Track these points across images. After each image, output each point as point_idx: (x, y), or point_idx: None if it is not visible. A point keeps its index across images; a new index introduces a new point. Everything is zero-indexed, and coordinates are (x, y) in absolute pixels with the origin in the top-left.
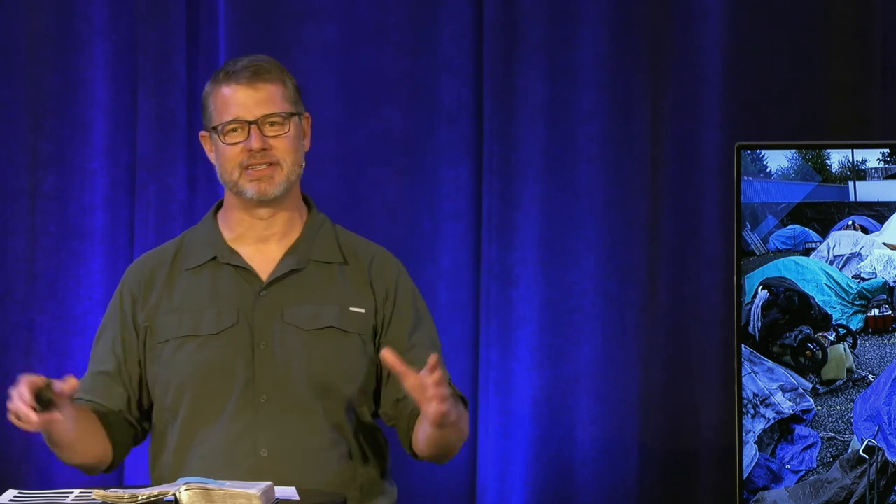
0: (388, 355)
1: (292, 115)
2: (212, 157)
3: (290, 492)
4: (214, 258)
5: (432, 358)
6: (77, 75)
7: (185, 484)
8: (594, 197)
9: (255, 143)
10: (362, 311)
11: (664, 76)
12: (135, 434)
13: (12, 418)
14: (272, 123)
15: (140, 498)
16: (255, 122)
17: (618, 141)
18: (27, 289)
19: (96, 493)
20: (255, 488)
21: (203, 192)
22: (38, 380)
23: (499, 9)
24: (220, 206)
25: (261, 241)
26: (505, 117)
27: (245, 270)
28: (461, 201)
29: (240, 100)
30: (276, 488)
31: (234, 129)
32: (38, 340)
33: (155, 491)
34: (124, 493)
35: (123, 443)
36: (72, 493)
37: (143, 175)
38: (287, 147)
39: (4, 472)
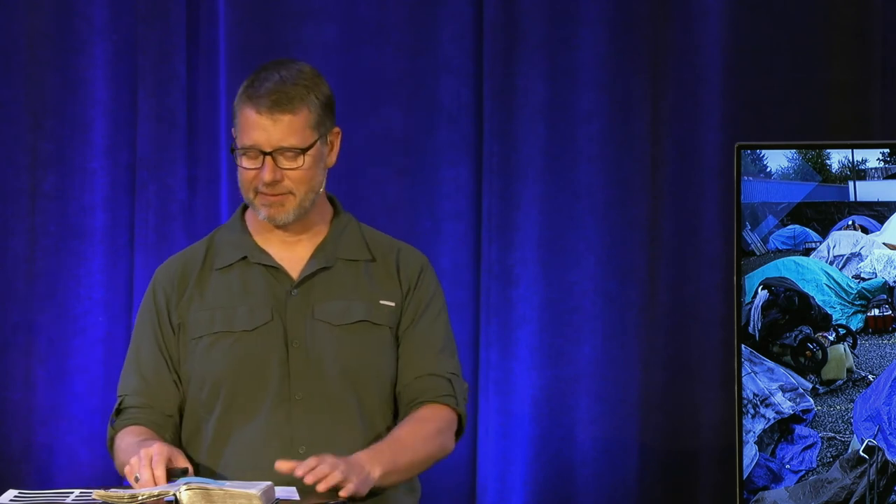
0: (281, 465)
1: (311, 145)
2: None
3: (290, 492)
4: (244, 258)
5: (306, 464)
6: (77, 75)
7: (185, 484)
8: (594, 197)
9: (267, 176)
10: (392, 304)
11: (664, 76)
12: (181, 435)
13: (132, 480)
14: (287, 156)
15: (140, 498)
16: (270, 153)
17: (618, 141)
18: (27, 289)
19: (96, 493)
20: (256, 488)
21: (203, 192)
22: (168, 454)
23: (499, 9)
24: (248, 204)
25: (289, 242)
26: (505, 117)
27: (275, 269)
28: (461, 201)
29: (259, 126)
30: (277, 488)
31: (249, 155)
32: (38, 340)
33: (155, 491)
34: (124, 493)
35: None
36: (72, 493)
37: (143, 175)
38: (300, 178)
39: (4, 472)
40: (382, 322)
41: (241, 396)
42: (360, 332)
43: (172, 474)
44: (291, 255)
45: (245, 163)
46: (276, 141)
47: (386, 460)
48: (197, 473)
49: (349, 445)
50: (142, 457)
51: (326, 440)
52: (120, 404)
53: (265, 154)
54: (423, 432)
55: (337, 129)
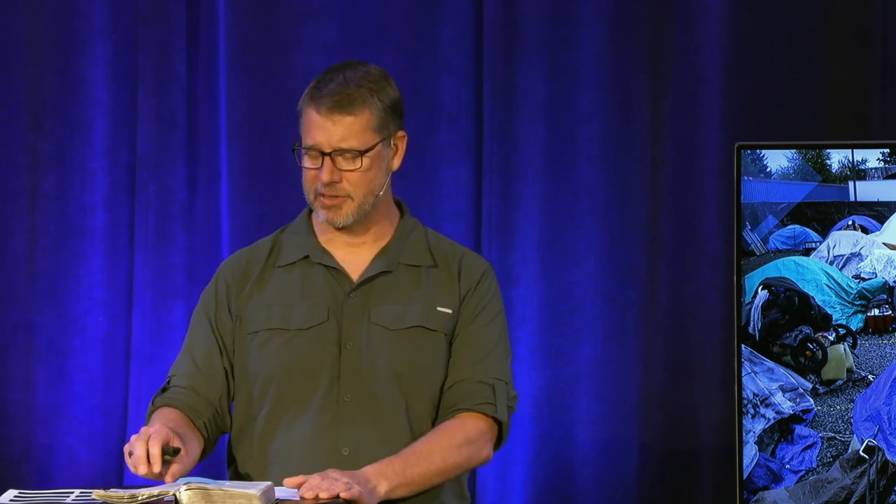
0: (289, 482)
1: (371, 148)
2: None
3: (290, 492)
4: (307, 257)
5: (309, 482)
6: (77, 75)
7: (185, 484)
8: (594, 197)
9: (325, 177)
10: (449, 311)
11: (664, 76)
12: (224, 426)
13: (131, 466)
14: (346, 157)
15: (140, 498)
16: (329, 154)
17: (618, 141)
18: (27, 289)
19: (96, 493)
20: (256, 488)
21: (203, 192)
22: (166, 436)
23: (499, 9)
24: None
25: (352, 245)
26: (505, 117)
27: (336, 271)
28: (461, 201)
29: (320, 127)
30: (276, 488)
31: (311, 155)
32: (38, 340)
33: (155, 491)
34: (124, 493)
35: (214, 439)
36: (72, 493)
37: (143, 175)
38: (358, 181)
39: (4, 472)
40: (438, 328)
41: (290, 394)
42: (413, 337)
43: (165, 452)
44: (354, 257)
45: (307, 162)
46: (335, 142)
47: (394, 473)
48: (245, 467)
49: (394, 450)
50: (140, 434)
51: (371, 443)
52: (168, 383)
53: (324, 155)
54: (445, 443)
55: (402, 133)
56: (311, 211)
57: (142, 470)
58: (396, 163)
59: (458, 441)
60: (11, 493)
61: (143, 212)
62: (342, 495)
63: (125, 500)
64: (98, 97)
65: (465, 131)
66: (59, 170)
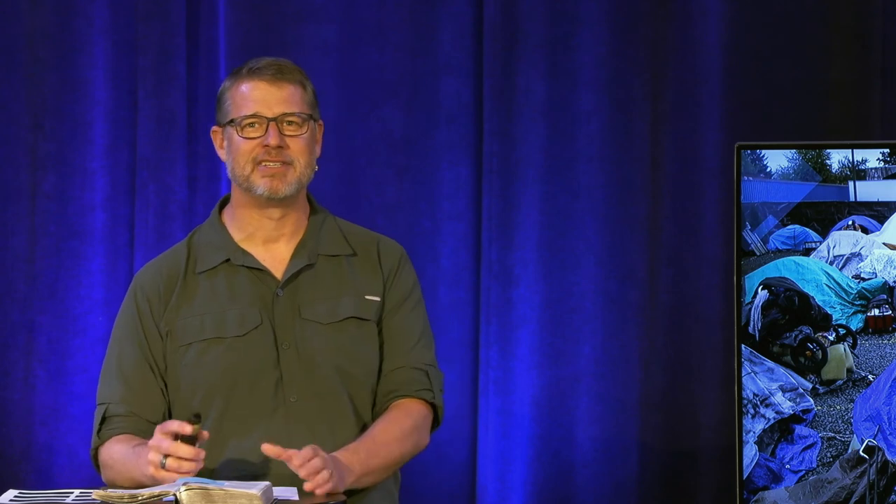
0: (267, 448)
1: (310, 117)
2: (221, 153)
3: (290, 492)
4: (227, 260)
5: (303, 454)
6: (77, 75)
7: (184, 484)
8: (594, 197)
9: (273, 140)
10: (377, 299)
11: (664, 76)
12: None
13: (172, 472)
14: (290, 123)
15: (140, 498)
16: (275, 119)
17: (618, 141)
18: (27, 289)
19: (96, 494)
20: (256, 488)
21: (203, 192)
22: (180, 428)
23: (499, 9)
24: (223, 203)
25: (270, 241)
26: (505, 117)
27: (259, 271)
28: (461, 201)
29: (261, 96)
30: (276, 488)
31: (251, 124)
32: (38, 340)
33: (155, 491)
34: (124, 493)
35: None
36: (72, 493)
37: (143, 175)
38: (302, 148)
39: (4, 472)
40: (369, 317)
41: (235, 402)
42: (348, 328)
43: (188, 441)
44: (274, 254)
45: (246, 133)
46: (279, 108)
47: (361, 462)
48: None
49: (346, 444)
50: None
51: (323, 441)
52: (105, 412)
53: (269, 120)
54: (398, 432)
55: (322, 123)
56: (221, 208)
57: (187, 466)
58: (318, 150)
59: (408, 429)
60: (11, 493)
61: (143, 212)
62: (317, 492)
63: (125, 500)
64: (98, 97)
65: (465, 131)
66: (59, 170)
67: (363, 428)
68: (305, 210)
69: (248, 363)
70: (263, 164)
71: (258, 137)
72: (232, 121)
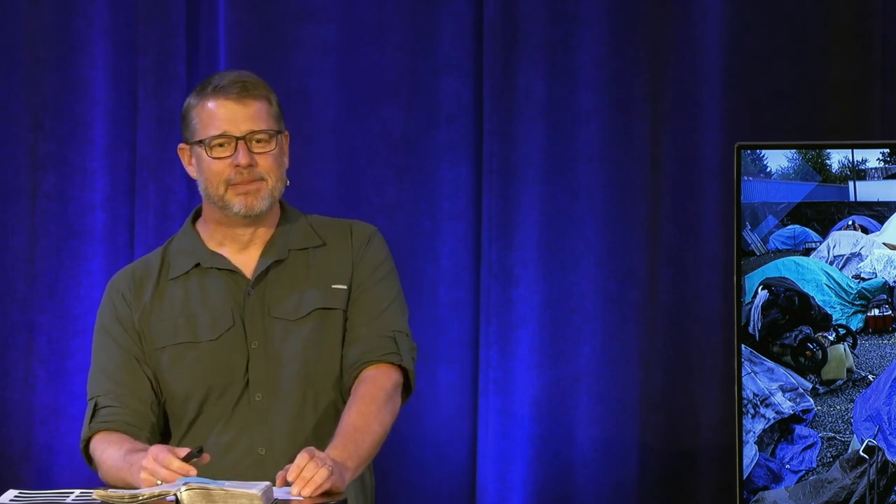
0: (280, 481)
1: (278, 132)
2: (191, 170)
3: (289, 492)
4: (198, 264)
5: (296, 463)
6: (77, 75)
7: (185, 484)
8: (594, 197)
9: (243, 160)
10: (344, 287)
11: (664, 76)
12: (162, 434)
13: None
14: (258, 140)
15: (141, 498)
16: (243, 137)
17: (618, 141)
18: (27, 289)
19: (96, 493)
20: (256, 488)
21: None
22: (171, 451)
23: (499, 9)
24: (197, 214)
25: (242, 245)
26: (505, 117)
27: (231, 272)
28: (461, 201)
29: (227, 114)
30: (275, 489)
31: (220, 144)
32: (38, 340)
33: (156, 491)
34: (125, 493)
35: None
36: (72, 493)
37: (143, 175)
38: (272, 164)
39: (4, 472)
40: (336, 306)
41: (208, 405)
42: (314, 321)
43: (189, 458)
44: (246, 257)
45: (216, 153)
46: (246, 126)
47: (352, 456)
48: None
49: (305, 441)
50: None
51: (282, 439)
52: (95, 406)
53: (237, 139)
54: (374, 410)
55: (287, 133)
56: (195, 219)
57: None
58: (286, 161)
59: (382, 402)
60: (11, 493)
61: (143, 212)
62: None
63: (125, 500)
64: (98, 97)
65: (465, 131)
66: (59, 170)
67: (329, 423)
68: (276, 213)
69: (221, 367)
70: (235, 185)
71: (227, 157)
72: (200, 141)
